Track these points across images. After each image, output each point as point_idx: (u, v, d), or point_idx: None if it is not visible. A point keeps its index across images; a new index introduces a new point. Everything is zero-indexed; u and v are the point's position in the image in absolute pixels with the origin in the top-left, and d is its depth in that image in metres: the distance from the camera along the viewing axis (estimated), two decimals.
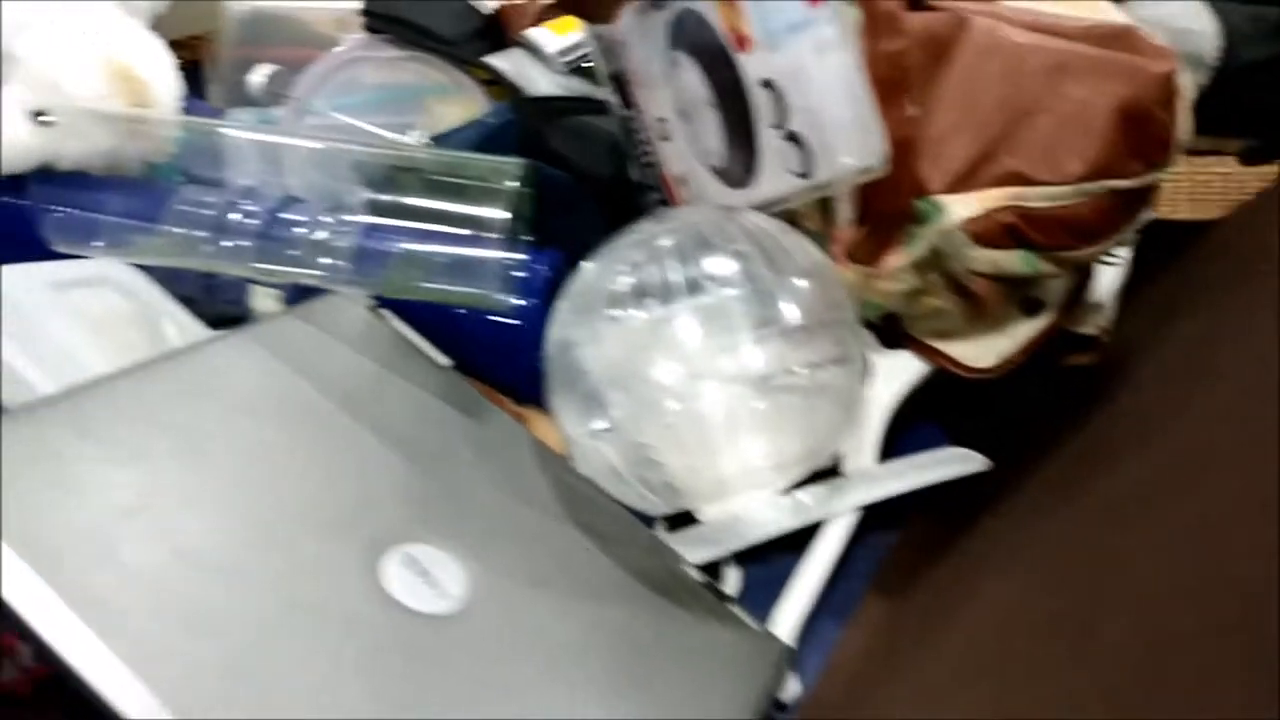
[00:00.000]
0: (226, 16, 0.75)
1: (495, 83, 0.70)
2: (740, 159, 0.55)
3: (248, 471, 0.43)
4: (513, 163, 0.54)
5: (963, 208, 0.49)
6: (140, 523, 0.38)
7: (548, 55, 0.69)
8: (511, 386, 0.60)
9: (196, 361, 0.47)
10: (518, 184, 0.53)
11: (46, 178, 0.58)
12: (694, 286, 0.50)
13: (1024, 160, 0.49)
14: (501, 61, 0.68)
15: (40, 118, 0.58)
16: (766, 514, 0.54)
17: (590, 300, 0.54)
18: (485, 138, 0.66)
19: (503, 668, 0.41)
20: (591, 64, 0.70)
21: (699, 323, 0.50)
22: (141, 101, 0.58)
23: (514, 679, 0.41)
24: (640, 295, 0.52)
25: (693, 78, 0.56)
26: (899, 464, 0.56)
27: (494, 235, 0.53)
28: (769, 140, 0.52)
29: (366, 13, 0.69)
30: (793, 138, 0.51)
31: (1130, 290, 0.64)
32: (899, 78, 0.46)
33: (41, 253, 0.57)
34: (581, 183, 0.64)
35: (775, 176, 0.53)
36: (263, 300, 0.59)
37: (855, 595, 0.56)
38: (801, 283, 0.50)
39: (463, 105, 0.69)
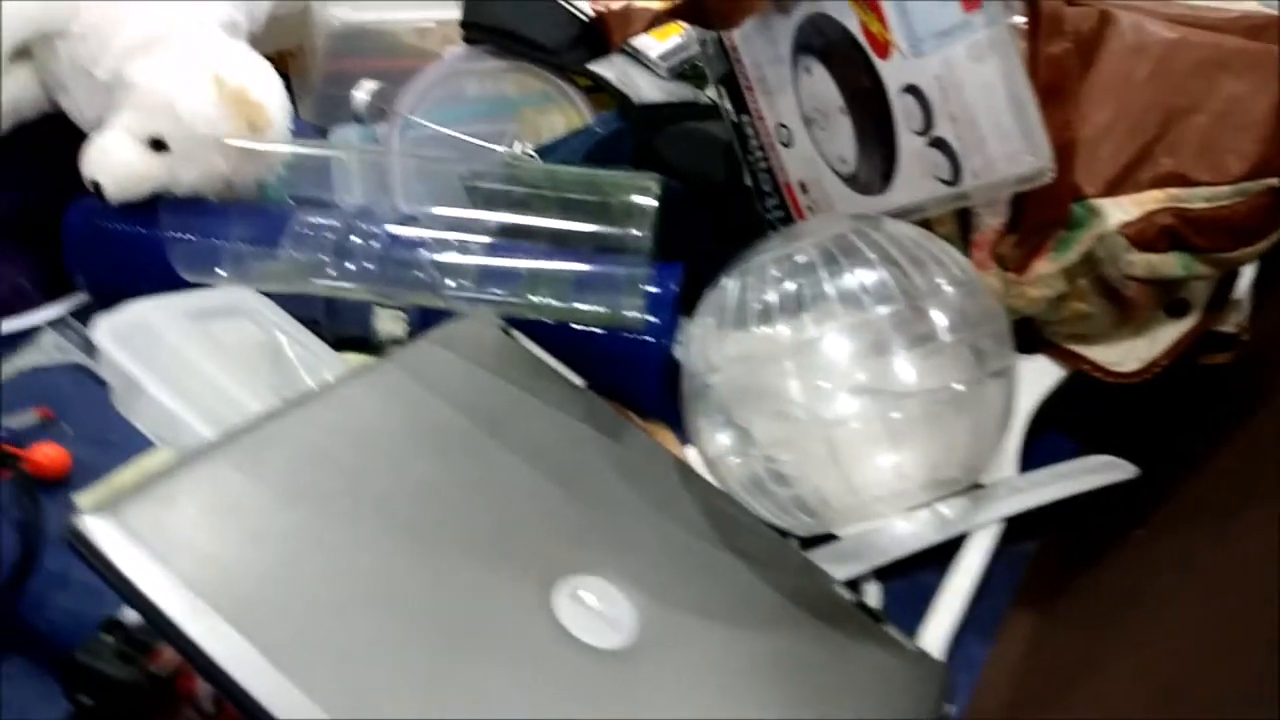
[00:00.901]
0: (316, 31, 0.74)
1: (597, 90, 0.69)
2: (875, 165, 0.54)
3: (412, 505, 0.42)
4: (649, 179, 0.53)
5: (1120, 211, 0.48)
6: (315, 561, 0.37)
7: (651, 60, 0.68)
8: (639, 402, 0.59)
9: (348, 395, 0.46)
10: (656, 202, 0.52)
11: (170, 206, 0.58)
12: (841, 300, 0.49)
13: (1182, 160, 0.48)
14: (605, 69, 0.67)
15: (156, 144, 0.58)
16: (909, 529, 0.53)
17: (731, 316, 0.52)
18: (595, 147, 0.65)
19: (677, 701, 0.41)
20: (696, 68, 0.69)
21: (847, 338, 0.49)
22: (256, 124, 0.58)
23: (689, 712, 0.40)
24: (783, 311, 0.51)
25: (822, 83, 0.55)
26: (1042, 473, 0.55)
27: (630, 252, 0.53)
28: (910, 146, 0.51)
29: (466, 24, 0.68)
30: (939, 144, 0.49)
31: (1263, 283, 0.62)
32: (1061, 81, 0.45)
33: (175, 281, 0.56)
34: (694, 190, 0.63)
35: (915, 183, 0.52)
36: (387, 322, 0.58)
37: (997, 610, 0.55)
38: (953, 293, 0.48)
39: (566, 114, 0.68)
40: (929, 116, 0.49)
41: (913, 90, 0.50)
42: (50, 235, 0.62)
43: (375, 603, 0.37)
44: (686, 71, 0.69)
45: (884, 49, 0.50)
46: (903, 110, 0.51)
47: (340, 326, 0.59)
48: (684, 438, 0.59)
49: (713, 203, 0.63)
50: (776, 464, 0.52)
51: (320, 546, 0.38)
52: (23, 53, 0.59)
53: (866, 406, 0.49)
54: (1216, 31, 0.50)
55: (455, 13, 0.72)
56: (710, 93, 0.70)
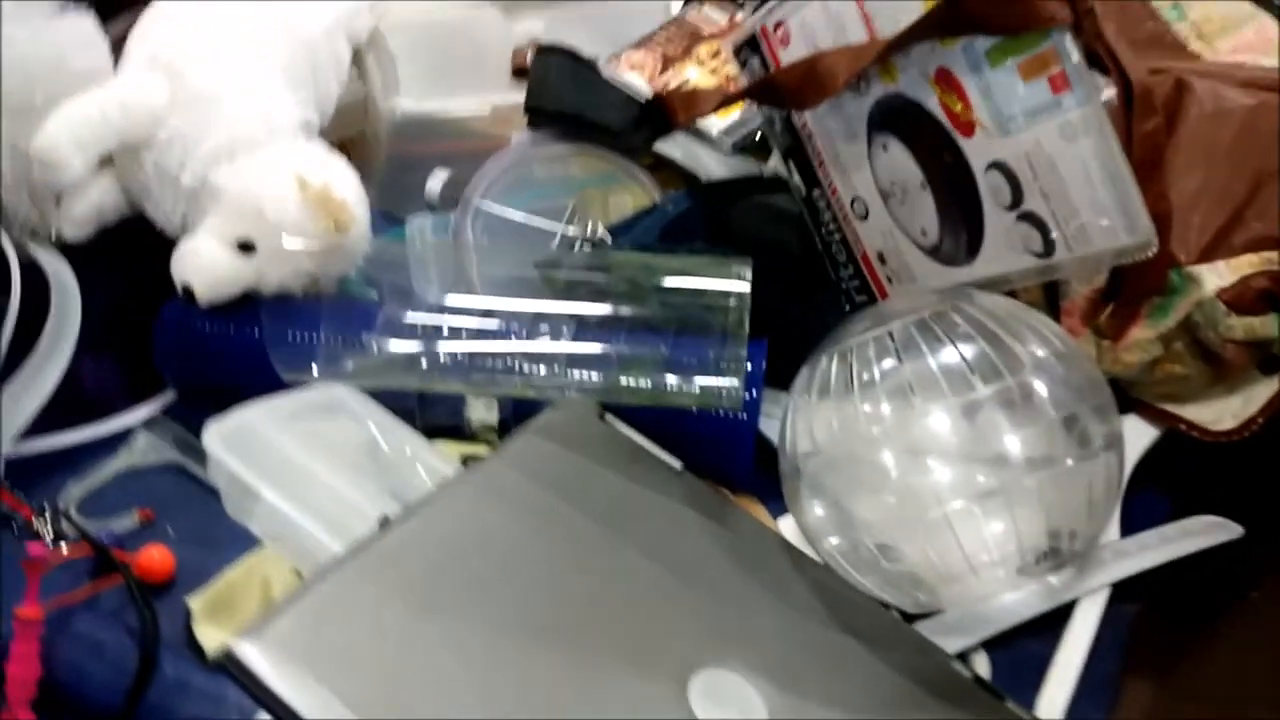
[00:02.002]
0: (378, 118, 0.75)
1: (660, 167, 0.70)
2: (959, 237, 0.55)
3: (543, 604, 0.42)
4: (740, 261, 0.54)
5: (1215, 277, 0.48)
6: (458, 669, 0.38)
7: (714, 137, 0.69)
8: (731, 478, 0.59)
9: (463, 497, 0.46)
10: (749, 284, 0.53)
11: (265, 307, 0.59)
12: (943, 376, 0.49)
13: (1273, 223, 0.48)
14: (670, 148, 0.68)
15: (244, 246, 0.59)
16: (1016, 598, 0.53)
17: (831, 393, 0.53)
18: (668, 225, 0.66)
19: None
20: (758, 141, 0.70)
21: (951, 414, 0.49)
22: (341, 221, 0.59)
23: None
24: (885, 388, 0.51)
25: (900, 159, 0.55)
26: (1148, 536, 0.55)
27: (723, 331, 0.53)
28: (998, 220, 0.52)
29: (529, 110, 0.69)
30: (1029, 218, 0.50)
31: None
32: (1155, 156, 0.46)
33: (263, 379, 0.57)
34: (769, 263, 0.63)
35: (1003, 255, 0.53)
36: (479, 410, 0.59)
37: (1104, 674, 0.54)
38: (1055, 364, 0.49)
39: (633, 193, 0.69)
40: (1018, 192, 0.50)
41: (1000, 167, 0.50)
42: (136, 337, 0.63)
43: (523, 707, 0.37)
44: (748, 145, 0.70)
45: (967, 128, 0.51)
46: (989, 186, 0.51)
47: (433, 416, 0.59)
48: (775, 511, 0.60)
49: (788, 275, 0.64)
50: (880, 539, 0.52)
51: (461, 654, 0.39)
52: (104, 160, 0.61)
53: (973, 482, 0.49)
54: None
55: (514, 97, 0.73)
56: (772, 165, 0.71)
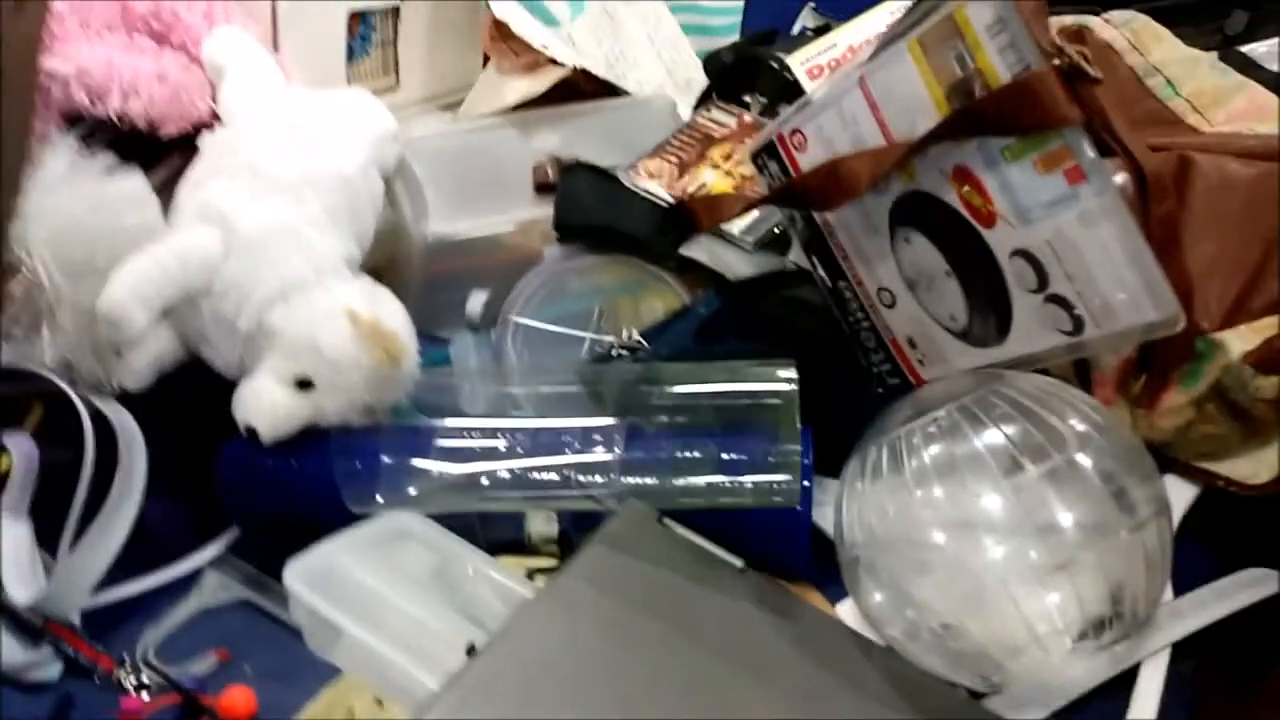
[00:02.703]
0: (410, 242, 0.78)
1: (685, 269, 0.73)
2: (988, 320, 0.57)
3: (629, 714, 0.44)
4: (784, 362, 0.56)
5: (1240, 341, 0.51)
6: None
7: (735, 237, 0.72)
8: (788, 569, 0.61)
9: (543, 618, 0.48)
10: (794, 383, 0.55)
11: (333, 442, 0.61)
12: (990, 456, 0.51)
13: None
14: (696, 250, 0.71)
15: (302, 384, 0.61)
16: (1082, 667, 0.54)
17: (880, 481, 0.55)
18: (701, 326, 0.68)
19: None
20: (778, 235, 0.73)
21: (1002, 494, 0.51)
22: (393, 352, 0.61)
23: None
24: (936, 472, 0.53)
25: (924, 251, 0.58)
26: (1201, 593, 0.56)
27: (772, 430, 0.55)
28: (1025, 303, 0.54)
29: (559, 227, 0.72)
30: (1056, 299, 0.53)
31: None
32: (1173, 235, 0.48)
33: (325, 511, 0.59)
34: (803, 354, 0.66)
35: (1033, 335, 0.55)
36: (539, 524, 0.60)
37: None
38: (1096, 437, 0.51)
39: (663, 297, 0.72)
40: (1043, 276, 0.53)
41: (1023, 254, 0.53)
42: (194, 477, 0.65)
43: None
44: (769, 241, 0.73)
45: (989, 219, 0.54)
46: (1014, 272, 0.54)
47: (495, 533, 0.61)
48: (832, 597, 0.61)
49: (821, 364, 0.66)
50: (942, 620, 0.53)
51: None
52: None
53: (1028, 556, 0.51)
54: None
55: (537, 211, 0.77)
56: (792, 257, 0.74)
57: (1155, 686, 0.54)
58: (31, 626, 0.56)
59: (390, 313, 0.63)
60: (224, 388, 0.64)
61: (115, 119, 0.69)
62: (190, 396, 0.66)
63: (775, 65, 0.80)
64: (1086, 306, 0.52)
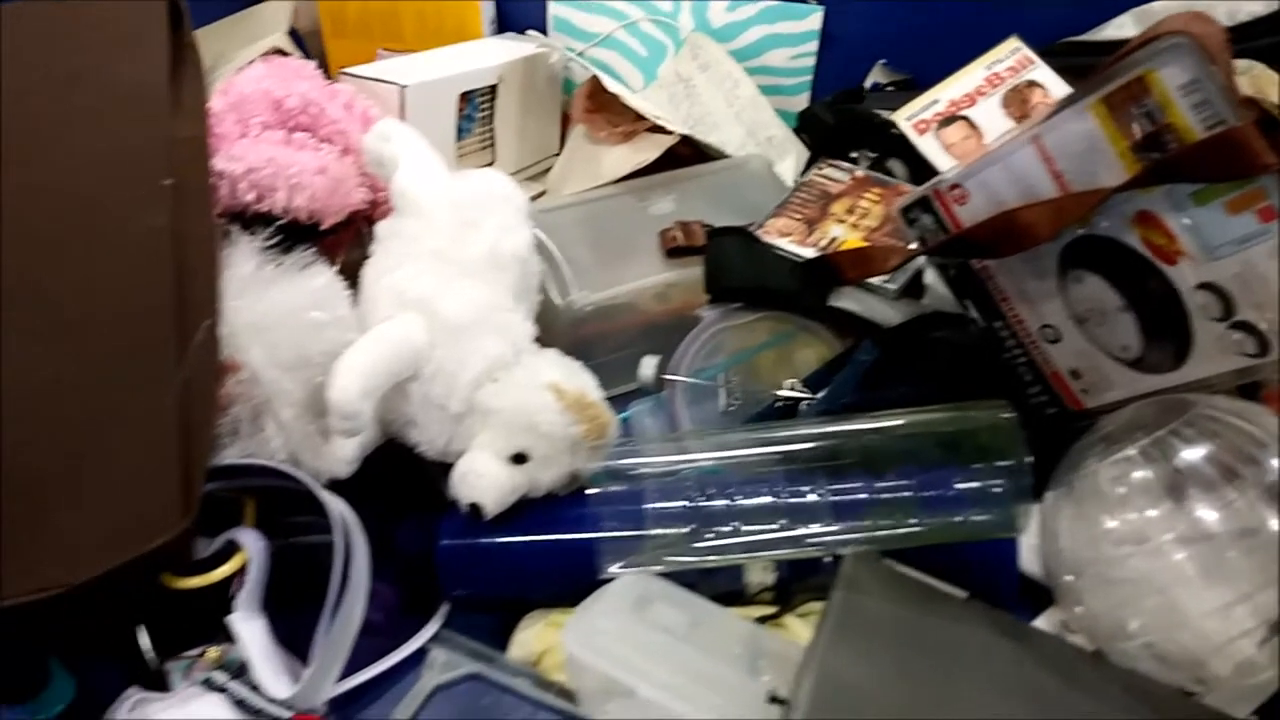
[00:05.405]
0: (560, 314, 0.80)
1: (831, 319, 0.77)
2: (1165, 349, 0.62)
3: None
4: (998, 402, 0.60)
5: None
6: None
7: (878, 286, 0.77)
8: (997, 596, 0.64)
9: (832, 666, 0.51)
10: (1012, 415, 0.59)
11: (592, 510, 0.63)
12: (1199, 475, 0.56)
13: None
14: (846, 302, 0.75)
15: (517, 458, 0.63)
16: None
17: (1085, 510, 0.59)
18: (865, 372, 0.72)
19: None
20: (915, 282, 0.78)
21: (1213, 507, 0.56)
22: (599, 420, 0.64)
23: None
24: (1136, 497, 0.58)
25: (1096, 289, 0.63)
26: None
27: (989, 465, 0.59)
28: (1208, 331, 0.60)
29: (712, 289, 0.76)
30: (1242, 326, 0.58)
31: None
32: None
33: (541, 584, 0.62)
34: (964, 393, 0.70)
35: (1213, 360, 0.60)
36: (757, 573, 0.63)
37: None
38: None
39: (815, 347, 0.76)
40: (1230, 306, 0.58)
41: (1209, 287, 0.58)
42: (399, 557, 0.66)
43: None
44: (910, 288, 0.77)
45: (1171, 257, 0.59)
46: (1198, 304, 0.59)
47: (715, 585, 0.63)
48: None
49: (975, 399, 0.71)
50: (1148, 636, 0.58)
51: None
52: None
53: (1233, 565, 0.55)
54: None
55: (670, 274, 0.80)
56: (926, 302, 0.79)
57: None
58: None
59: (588, 383, 0.66)
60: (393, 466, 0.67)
61: (280, 214, 0.71)
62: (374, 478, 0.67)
63: (880, 122, 0.85)
64: (1275, 330, 0.57)
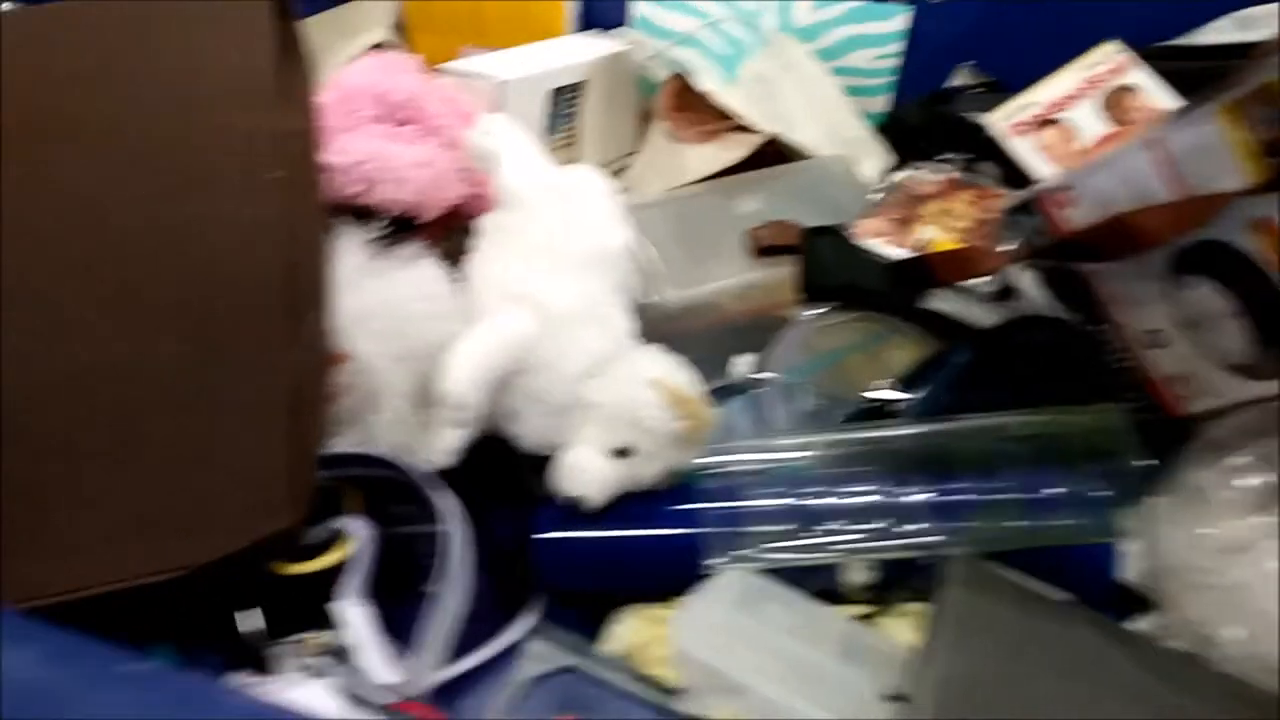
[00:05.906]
0: (649, 312, 0.80)
1: (924, 321, 0.77)
2: (1276, 356, 0.61)
3: None
4: (1108, 406, 0.60)
5: None
6: None
7: (969, 288, 0.76)
8: (1094, 597, 0.64)
9: (956, 665, 0.51)
10: (1122, 417, 0.59)
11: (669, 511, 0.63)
12: None
13: None
14: (940, 302, 0.75)
15: (620, 452, 0.64)
16: None
17: (1198, 515, 0.59)
18: (959, 374, 0.72)
19: None
20: (1008, 286, 0.77)
21: None
22: (699, 415, 0.64)
23: None
24: (1244, 505, 0.58)
25: (1206, 295, 0.63)
26: None
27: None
28: None
29: (808, 288, 0.76)
30: None
31: None
32: None
33: (639, 577, 0.62)
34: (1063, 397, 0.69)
35: None
36: (855, 572, 0.63)
37: None
38: None
39: (905, 348, 0.76)
40: None
41: None
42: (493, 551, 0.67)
43: None
44: (1001, 292, 0.77)
45: None
46: None
47: (812, 583, 0.63)
48: None
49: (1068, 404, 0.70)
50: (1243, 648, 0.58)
51: None
52: None
53: None
54: None
55: (756, 274, 0.80)
56: (1016, 305, 0.78)
57: None
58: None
59: (687, 378, 0.66)
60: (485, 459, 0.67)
61: (384, 207, 0.72)
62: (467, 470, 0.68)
63: (970, 125, 0.85)
64: None
